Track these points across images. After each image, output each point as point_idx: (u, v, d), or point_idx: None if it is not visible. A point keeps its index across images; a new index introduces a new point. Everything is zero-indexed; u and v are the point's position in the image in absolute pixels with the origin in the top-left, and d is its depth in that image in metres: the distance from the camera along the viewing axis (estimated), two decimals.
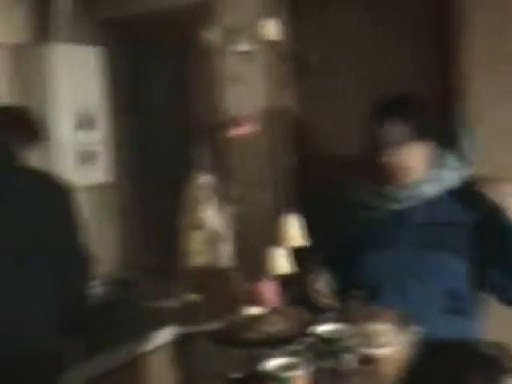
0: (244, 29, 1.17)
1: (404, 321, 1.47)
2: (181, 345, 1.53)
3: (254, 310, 1.29)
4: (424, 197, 1.55)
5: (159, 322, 1.97)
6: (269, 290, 1.22)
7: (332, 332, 1.28)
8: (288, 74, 2.12)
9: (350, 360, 1.26)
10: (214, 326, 1.30)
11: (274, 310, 1.31)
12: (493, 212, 1.45)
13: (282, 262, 1.17)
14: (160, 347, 1.91)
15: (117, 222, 2.68)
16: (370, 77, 2.28)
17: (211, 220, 1.46)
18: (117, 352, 1.83)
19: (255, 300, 1.25)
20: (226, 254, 1.29)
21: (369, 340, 1.34)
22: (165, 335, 1.94)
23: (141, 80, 2.71)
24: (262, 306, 1.26)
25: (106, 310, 2.12)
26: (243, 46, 1.16)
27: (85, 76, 2.43)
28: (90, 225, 2.49)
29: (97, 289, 2.20)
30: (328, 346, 1.26)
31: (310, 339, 1.21)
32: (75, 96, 2.39)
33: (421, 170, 1.55)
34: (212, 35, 1.18)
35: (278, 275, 1.18)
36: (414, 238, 1.52)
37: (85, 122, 2.43)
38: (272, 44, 1.13)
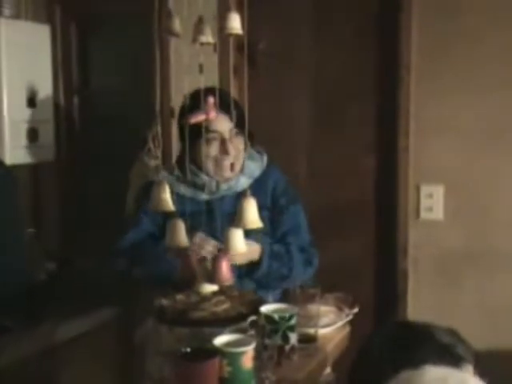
0: (204, 20, 1.17)
1: (344, 302, 1.55)
2: (126, 322, 1.53)
3: (210, 288, 1.32)
4: (239, 189, 1.71)
5: (103, 299, 1.96)
6: (226, 267, 1.23)
7: (276, 311, 1.33)
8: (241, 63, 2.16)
9: (292, 338, 1.31)
10: (159, 303, 1.32)
11: (223, 290, 1.34)
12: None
13: (239, 242, 1.19)
14: (105, 324, 1.89)
15: (59, 199, 2.62)
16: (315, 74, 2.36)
17: None
18: (60, 329, 1.81)
19: (212, 276, 1.28)
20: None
21: (311, 320, 1.40)
22: (110, 312, 1.93)
23: (91, 58, 2.67)
24: (218, 283, 1.28)
25: (47, 287, 2.09)
26: (203, 38, 1.17)
27: (33, 53, 2.39)
28: (31, 202, 2.52)
29: (38, 266, 2.17)
30: (272, 325, 1.32)
31: (254, 318, 1.26)
32: (23, 73, 2.35)
33: (241, 163, 1.72)
34: (170, 24, 1.18)
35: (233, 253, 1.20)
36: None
37: (32, 100, 2.38)
38: (232, 36, 1.14)
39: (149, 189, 1.50)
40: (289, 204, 1.77)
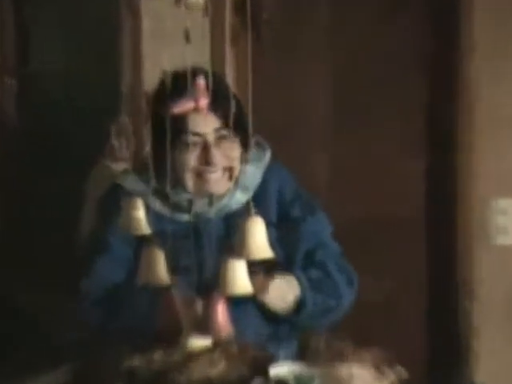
0: None
1: (384, 361, 1.53)
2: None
3: (201, 341, 1.31)
4: (233, 208, 1.72)
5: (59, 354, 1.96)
6: (222, 313, 1.24)
7: (291, 375, 1.31)
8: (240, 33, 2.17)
9: None
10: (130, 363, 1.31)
11: (220, 343, 1.33)
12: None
13: (242, 278, 1.20)
14: None
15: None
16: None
17: None
18: None
19: (205, 325, 1.28)
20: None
21: None
22: (65, 373, 1.94)
23: (31, 29, 2.68)
24: (212, 335, 1.28)
25: None
26: None
27: None
28: None
29: None
30: None
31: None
32: None
33: (236, 174, 1.71)
34: None
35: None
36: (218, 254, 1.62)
37: None
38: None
39: (116, 196, 1.48)
40: (305, 214, 1.76)
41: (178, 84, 1.40)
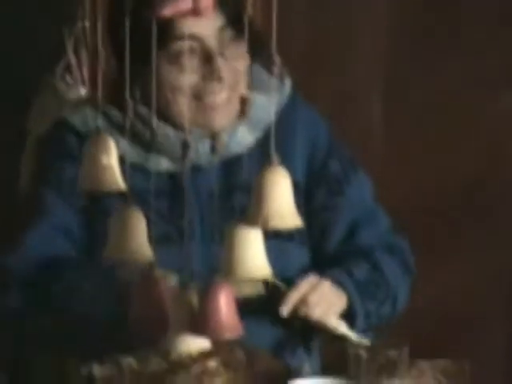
0: None
1: (453, 376, 1.62)
2: None
3: (194, 344, 1.38)
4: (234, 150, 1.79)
5: None
6: (226, 306, 1.30)
7: None
8: None
9: None
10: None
11: (220, 348, 1.40)
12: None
13: (257, 255, 1.25)
14: None
15: None
16: None
17: None
18: None
19: (201, 322, 1.32)
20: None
21: None
22: None
23: None
24: (210, 335, 1.34)
25: None
26: None
27: None
28: None
29: None
30: None
31: None
32: None
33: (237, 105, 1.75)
34: None
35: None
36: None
37: None
38: None
39: (61, 137, 1.54)
40: (347, 171, 1.86)
41: None
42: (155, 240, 1.40)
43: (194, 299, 1.37)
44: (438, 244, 2.52)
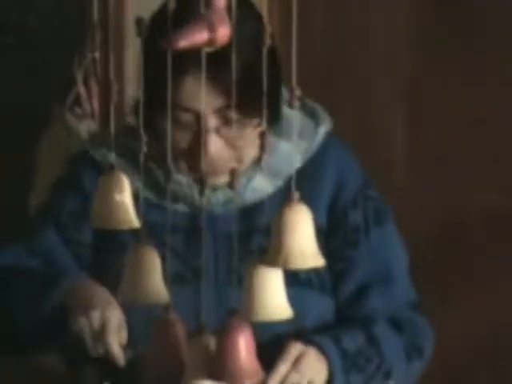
0: None
1: None
2: None
3: None
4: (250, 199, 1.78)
5: None
6: (247, 349, 1.28)
7: None
8: None
9: None
10: None
11: None
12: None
13: (278, 295, 1.23)
14: None
15: None
16: None
17: None
18: None
19: (219, 367, 1.29)
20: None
21: None
22: None
23: None
24: (233, 383, 1.30)
25: None
26: None
27: None
28: None
29: None
30: None
31: None
32: None
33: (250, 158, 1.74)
34: None
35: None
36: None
37: None
38: None
39: (82, 173, 1.53)
40: (369, 224, 1.81)
41: (187, 5, 1.41)
42: (169, 279, 1.39)
43: (211, 342, 1.34)
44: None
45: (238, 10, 1.32)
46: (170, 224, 1.50)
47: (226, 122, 1.65)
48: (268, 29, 1.33)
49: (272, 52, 1.54)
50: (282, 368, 1.63)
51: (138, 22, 1.33)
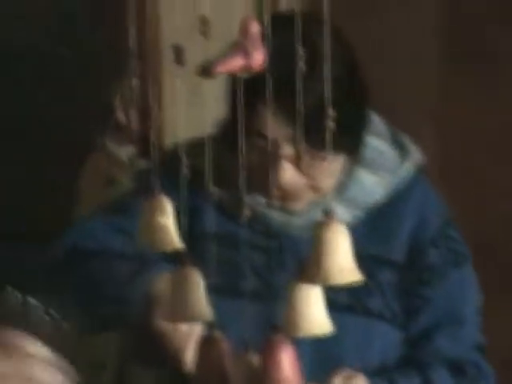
0: None
1: None
2: None
3: None
4: None
5: None
6: (290, 365, 1.29)
7: None
8: None
9: None
10: None
11: None
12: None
13: (316, 311, 1.24)
14: None
15: None
16: None
17: None
18: None
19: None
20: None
21: None
22: None
23: None
24: None
25: None
26: None
27: None
28: None
29: None
30: None
31: None
32: None
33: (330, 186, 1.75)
34: None
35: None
36: None
37: None
38: None
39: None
40: (447, 265, 1.80)
41: None
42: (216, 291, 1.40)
43: (255, 360, 1.35)
44: None
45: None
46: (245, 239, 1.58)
47: (300, 152, 1.59)
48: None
49: (351, 83, 1.60)
50: None
51: (175, 49, 1.35)
